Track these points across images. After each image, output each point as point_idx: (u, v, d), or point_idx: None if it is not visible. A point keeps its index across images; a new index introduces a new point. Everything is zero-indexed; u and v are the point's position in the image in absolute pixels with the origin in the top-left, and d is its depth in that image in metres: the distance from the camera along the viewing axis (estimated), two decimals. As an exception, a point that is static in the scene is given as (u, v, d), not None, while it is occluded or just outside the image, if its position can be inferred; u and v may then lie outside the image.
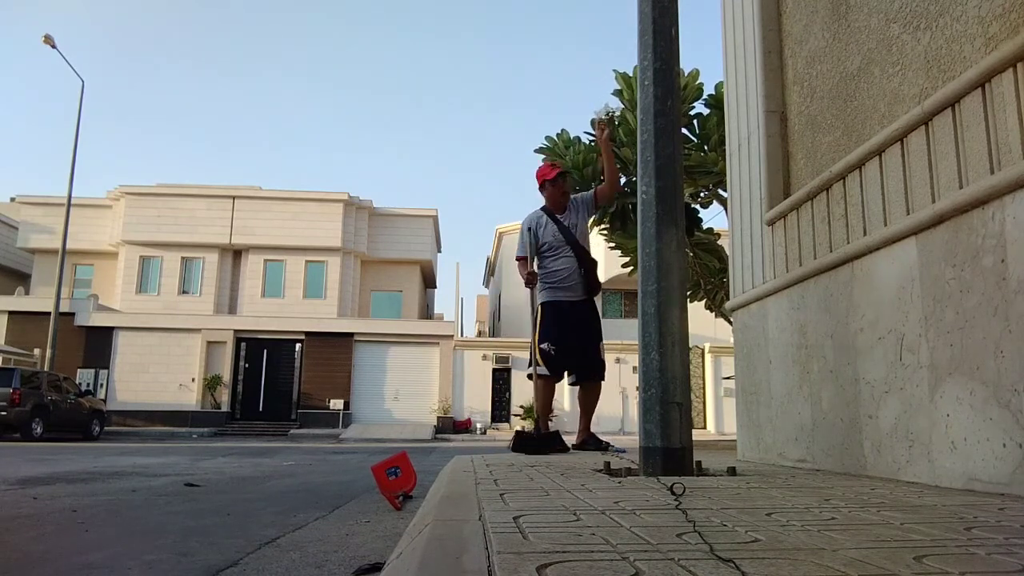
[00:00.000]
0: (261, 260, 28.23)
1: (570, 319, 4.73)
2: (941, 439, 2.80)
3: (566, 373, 4.96)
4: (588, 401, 4.92)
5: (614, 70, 11.39)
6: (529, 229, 4.87)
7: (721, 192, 11.11)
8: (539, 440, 4.56)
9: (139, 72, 71.60)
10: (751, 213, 4.90)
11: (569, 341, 4.73)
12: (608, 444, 4.85)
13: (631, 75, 11.15)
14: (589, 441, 4.83)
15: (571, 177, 5.04)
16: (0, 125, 66.43)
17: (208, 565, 2.42)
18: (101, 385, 23.57)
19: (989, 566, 1.27)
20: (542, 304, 4.79)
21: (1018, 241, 2.45)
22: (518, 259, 5.06)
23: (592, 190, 5.13)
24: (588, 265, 4.84)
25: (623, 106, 11.50)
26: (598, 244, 21.25)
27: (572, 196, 4.93)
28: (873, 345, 3.30)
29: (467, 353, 24.30)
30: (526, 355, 24.60)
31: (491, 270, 35.22)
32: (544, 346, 4.70)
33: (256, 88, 73.78)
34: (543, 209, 4.91)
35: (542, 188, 4.90)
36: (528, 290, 4.88)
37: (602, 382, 4.89)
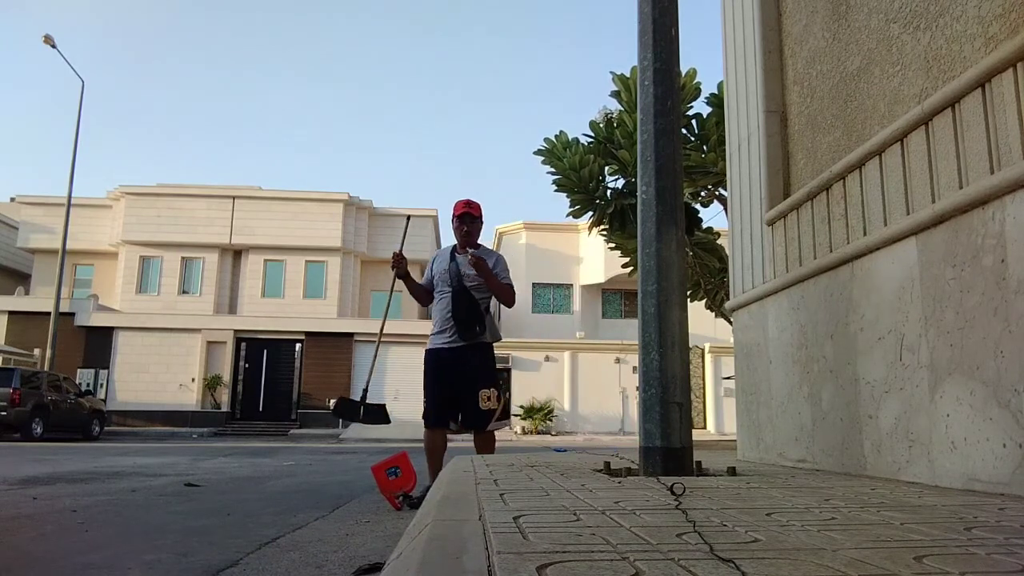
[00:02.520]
0: (261, 260, 28.23)
1: (446, 367, 4.32)
2: (941, 439, 2.81)
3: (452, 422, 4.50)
4: (478, 448, 4.42)
5: (611, 72, 11.41)
6: (434, 259, 4.63)
7: (721, 192, 11.12)
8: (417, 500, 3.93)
9: (139, 72, 71.64)
10: (751, 213, 4.90)
11: (444, 392, 4.31)
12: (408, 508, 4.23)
13: (628, 77, 11.16)
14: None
15: (476, 224, 4.53)
16: (0, 125, 66.48)
17: (208, 565, 2.42)
18: (101, 385, 23.57)
19: (989, 566, 1.27)
20: (425, 352, 4.51)
21: (1018, 241, 2.45)
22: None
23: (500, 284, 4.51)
24: (468, 308, 4.31)
25: (621, 108, 11.51)
26: (598, 244, 21.25)
27: (489, 250, 4.50)
28: (873, 345, 3.30)
29: (467, 353, 24.28)
30: (526, 355, 24.75)
31: (491, 270, 35.24)
32: (425, 399, 4.40)
33: (256, 88, 73.83)
34: (452, 247, 4.55)
35: (452, 221, 4.55)
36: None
37: (495, 430, 4.37)
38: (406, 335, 24.87)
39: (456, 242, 4.51)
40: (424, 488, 3.85)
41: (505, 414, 4.41)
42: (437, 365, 4.36)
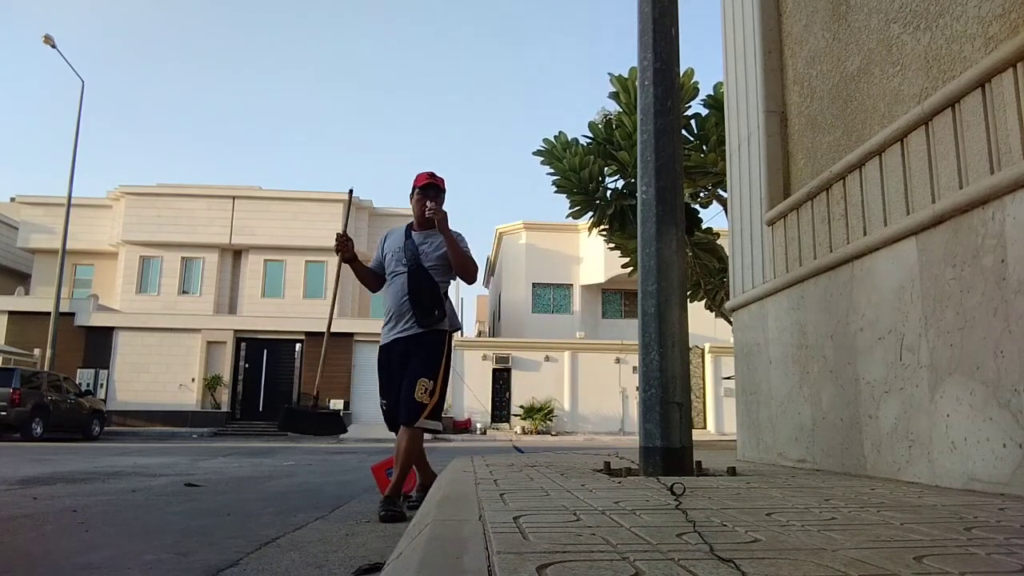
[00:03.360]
0: (261, 260, 28.23)
1: (400, 362, 3.68)
2: (941, 439, 2.80)
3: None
4: (398, 446, 3.62)
5: (610, 73, 11.41)
6: (385, 238, 4.02)
7: (721, 192, 11.12)
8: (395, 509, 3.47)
9: (139, 72, 71.66)
10: (751, 213, 4.90)
11: (392, 391, 3.73)
12: (400, 512, 3.52)
13: (627, 78, 11.16)
14: (388, 505, 3.50)
15: (439, 199, 3.85)
16: (0, 125, 66.51)
17: (208, 565, 2.42)
18: (101, 385, 23.56)
19: (989, 566, 1.27)
20: (379, 348, 3.88)
21: (1018, 241, 2.45)
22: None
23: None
24: (427, 289, 3.70)
25: (620, 109, 11.51)
26: (598, 244, 21.27)
27: (451, 228, 3.77)
28: (873, 345, 3.30)
29: (467, 353, 24.29)
30: (526, 355, 24.73)
31: (491, 270, 35.21)
32: (381, 400, 3.83)
33: (256, 88, 73.85)
34: (408, 224, 3.94)
35: (411, 196, 3.90)
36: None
37: (414, 427, 3.57)
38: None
39: (415, 218, 3.88)
40: (383, 501, 3.54)
41: (437, 416, 3.69)
42: (390, 361, 3.72)
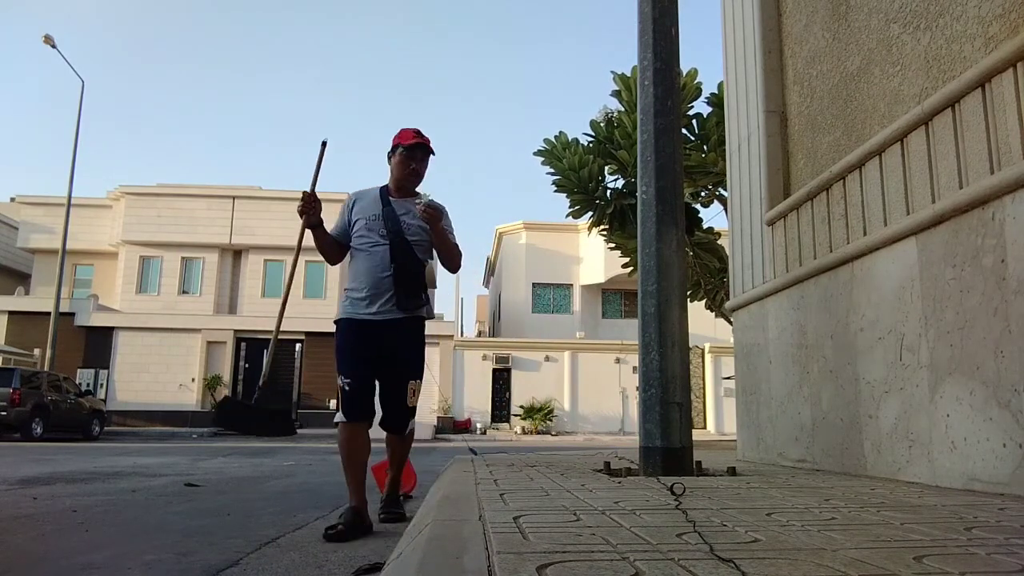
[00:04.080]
0: (261, 260, 28.23)
1: (371, 343, 3.21)
2: (941, 439, 2.80)
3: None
4: (393, 452, 3.51)
5: (612, 71, 11.41)
6: (354, 201, 3.42)
7: (721, 192, 11.12)
8: (350, 526, 2.98)
9: (139, 72, 71.67)
10: (751, 213, 4.90)
11: (369, 374, 3.24)
12: (402, 512, 3.44)
13: (629, 76, 11.16)
14: (388, 507, 3.45)
15: (425, 163, 3.41)
16: (0, 125, 66.51)
17: (208, 565, 2.42)
18: (101, 385, 23.56)
19: (989, 566, 1.27)
20: (337, 321, 3.34)
21: (1018, 241, 2.45)
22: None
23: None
24: (410, 270, 3.26)
25: (621, 108, 11.51)
26: (598, 244, 21.27)
27: (430, 198, 3.27)
28: (873, 345, 3.30)
29: (467, 353, 24.30)
30: (526, 355, 24.72)
31: (491, 270, 35.21)
32: (340, 380, 3.24)
33: (256, 88, 73.87)
34: (382, 188, 3.42)
35: (390, 156, 3.40)
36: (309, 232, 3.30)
37: (410, 432, 3.43)
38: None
39: (391, 181, 3.39)
40: (346, 510, 3.06)
41: (414, 411, 3.44)
42: (360, 339, 3.22)
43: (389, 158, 3.41)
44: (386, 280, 3.24)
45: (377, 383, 3.31)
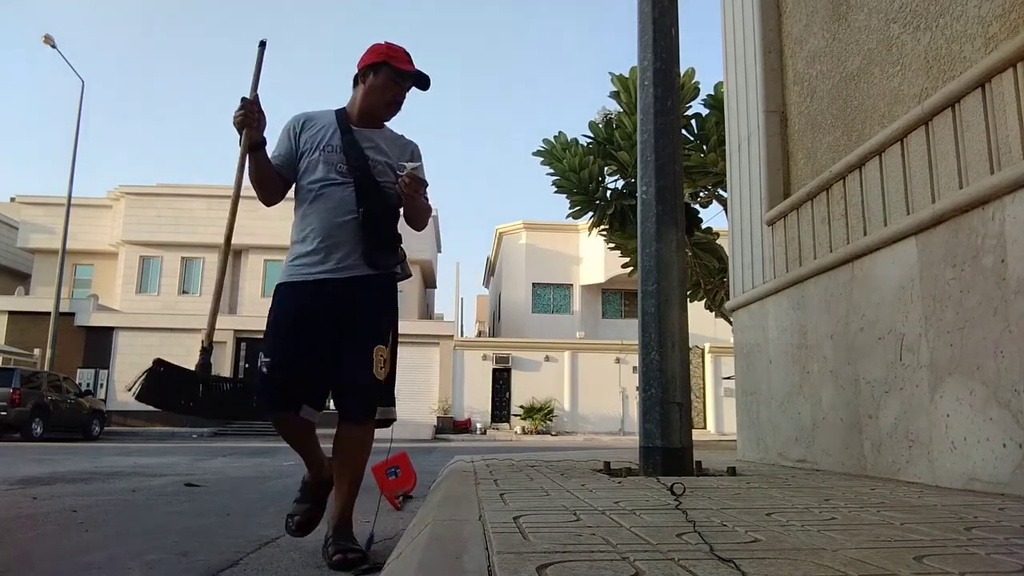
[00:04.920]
0: (261, 260, 28.22)
1: (320, 314, 2.45)
2: (941, 439, 2.80)
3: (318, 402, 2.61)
4: (344, 457, 2.48)
5: (610, 73, 11.41)
6: (301, 124, 2.65)
7: (721, 192, 11.12)
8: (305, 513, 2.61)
9: (139, 72, 71.66)
10: (751, 213, 4.90)
11: (303, 354, 2.44)
12: (361, 552, 2.38)
13: (628, 77, 11.17)
14: (337, 537, 2.41)
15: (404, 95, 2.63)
16: (0, 125, 66.49)
17: (208, 565, 2.42)
18: (101, 385, 23.57)
19: (989, 566, 1.27)
20: (277, 286, 2.58)
21: (1018, 241, 2.45)
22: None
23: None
24: (382, 216, 2.54)
25: (620, 109, 11.51)
26: (598, 244, 21.28)
27: (399, 135, 2.71)
28: (873, 345, 3.30)
29: (467, 353, 24.31)
30: (526, 355, 24.73)
31: (491, 270, 35.22)
32: (259, 359, 2.52)
33: (256, 88, 73.74)
34: (338, 111, 2.66)
35: (357, 80, 2.66)
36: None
37: (382, 420, 2.51)
38: (406, 335, 24.87)
39: (354, 107, 2.64)
40: (302, 481, 2.66)
41: (393, 395, 2.58)
42: (306, 310, 2.46)
43: (358, 79, 2.64)
44: (348, 226, 2.47)
45: (328, 369, 2.48)
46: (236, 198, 2.68)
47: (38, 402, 15.19)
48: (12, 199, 30.49)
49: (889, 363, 3.17)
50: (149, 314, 25.31)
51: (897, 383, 3.11)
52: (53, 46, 20.66)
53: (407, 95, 2.67)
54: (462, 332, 27.39)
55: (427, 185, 2.56)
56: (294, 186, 2.65)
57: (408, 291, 30.41)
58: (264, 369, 2.46)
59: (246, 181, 2.57)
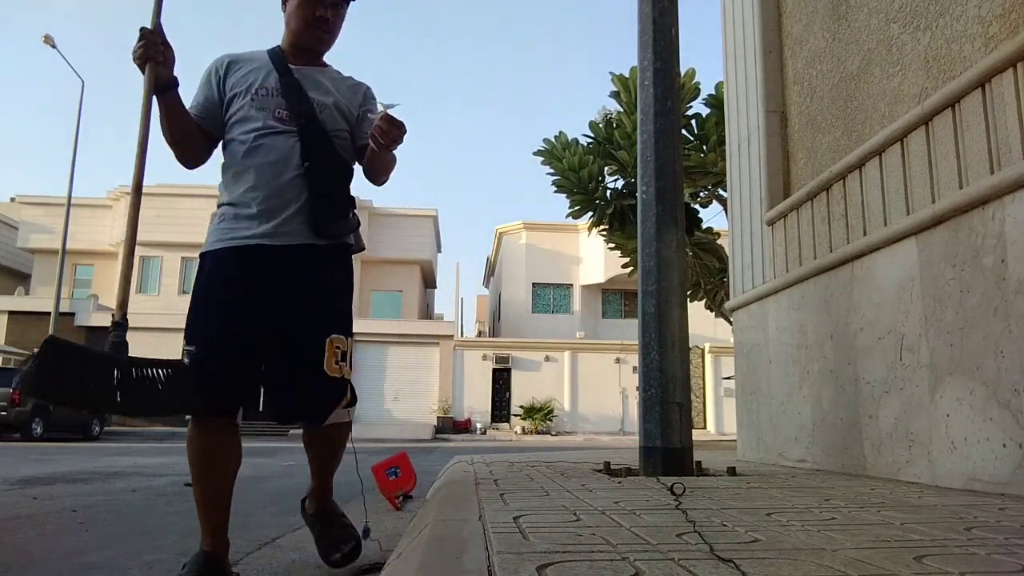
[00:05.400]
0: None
1: (259, 287, 2.04)
2: (941, 439, 2.80)
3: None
4: (320, 449, 2.30)
5: (611, 72, 11.41)
6: (226, 66, 2.18)
7: (721, 192, 11.12)
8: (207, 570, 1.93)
9: (139, 72, 71.56)
10: (751, 213, 4.90)
11: (236, 337, 2.01)
12: (357, 535, 2.35)
13: (628, 77, 11.17)
14: (321, 515, 2.36)
15: (343, 14, 2.20)
16: (0, 125, 66.48)
17: (208, 565, 2.42)
18: (101, 385, 23.58)
19: (989, 566, 1.27)
20: (202, 255, 2.14)
21: (1018, 241, 2.45)
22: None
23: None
24: (332, 171, 2.15)
25: (620, 109, 11.52)
26: (598, 244, 21.28)
27: (356, 80, 2.31)
28: (873, 345, 3.30)
29: (467, 353, 24.31)
30: (526, 355, 24.73)
31: (491, 270, 35.22)
32: (184, 347, 2.08)
33: (256, 88, 73.76)
34: (272, 50, 2.23)
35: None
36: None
37: (344, 425, 2.21)
38: (406, 335, 24.88)
39: (286, 40, 2.23)
40: (193, 558, 1.96)
41: (353, 395, 2.15)
42: (238, 281, 2.04)
43: (284, 2, 2.22)
44: (293, 183, 2.05)
45: (265, 361, 2.06)
46: (144, 142, 1.97)
47: (38, 402, 15.19)
48: (12, 199, 30.51)
49: (889, 363, 3.17)
50: (149, 314, 25.29)
51: (897, 383, 3.11)
52: (53, 46, 20.67)
53: (339, 14, 2.20)
54: (462, 332, 27.39)
55: (406, 131, 1.98)
56: (222, 142, 2.19)
57: (408, 291, 30.42)
58: (185, 360, 1.96)
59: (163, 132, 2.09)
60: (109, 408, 1.87)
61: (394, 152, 2.13)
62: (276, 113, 2.11)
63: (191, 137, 2.14)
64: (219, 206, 2.16)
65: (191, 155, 2.18)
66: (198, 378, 1.93)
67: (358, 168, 2.29)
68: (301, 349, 2.05)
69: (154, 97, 1.99)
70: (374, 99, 2.30)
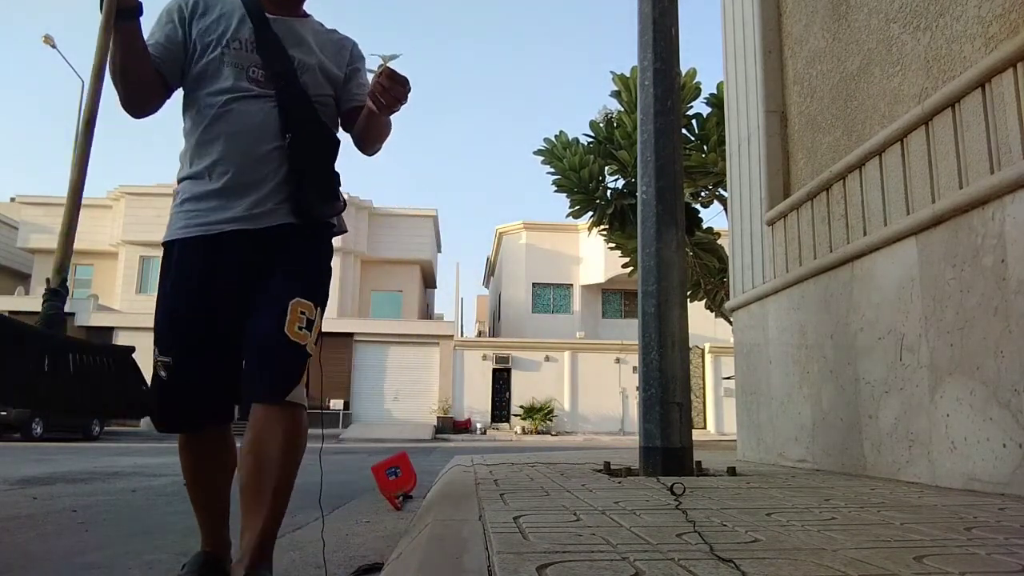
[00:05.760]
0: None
1: (229, 278, 1.78)
2: (941, 439, 2.80)
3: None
4: (259, 457, 1.64)
5: (611, 72, 11.42)
6: (195, 6, 1.85)
7: (721, 192, 11.12)
8: None
9: (139, 72, 71.61)
10: (751, 213, 4.90)
11: (218, 339, 1.78)
12: None
13: (629, 77, 11.17)
14: (255, 568, 1.57)
15: None
16: (0, 125, 66.52)
17: (208, 565, 2.42)
18: (101, 385, 23.58)
19: (989, 566, 1.27)
20: (165, 244, 1.87)
21: (1018, 241, 2.45)
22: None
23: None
24: (317, 144, 1.88)
25: (621, 108, 11.51)
26: (598, 244, 21.27)
27: (341, 34, 2.03)
28: (873, 345, 3.30)
29: (467, 353, 24.31)
30: (526, 355, 24.74)
31: (491, 270, 35.22)
32: (156, 357, 1.79)
33: (256, 88, 73.73)
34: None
35: None
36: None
37: (298, 412, 1.72)
38: (406, 335, 24.88)
39: None
40: (193, 558, 1.87)
41: (301, 372, 1.69)
42: (207, 278, 1.78)
43: None
44: (270, 157, 1.77)
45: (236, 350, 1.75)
46: (99, 71, 1.64)
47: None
48: (12, 199, 30.50)
49: (889, 363, 3.17)
50: (149, 314, 24.98)
51: (897, 383, 3.11)
52: (53, 46, 20.67)
53: None
54: (462, 332, 27.39)
55: (410, 88, 1.68)
56: (184, 96, 1.86)
57: (408, 291, 30.43)
58: (163, 374, 1.73)
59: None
60: (25, 402, 1.52)
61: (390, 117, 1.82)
62: (251, 73, 1.81)
63: (145, 78, 1.78)
64: (179, 181, 1.85)
65: (141, 99, 1.81)
66: (170, 395, 1.74)
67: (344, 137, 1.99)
68: (262, 311, 1.71)
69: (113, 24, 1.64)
70: (362, 57, 2.02)
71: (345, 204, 1.95)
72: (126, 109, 1.81)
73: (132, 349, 1.62)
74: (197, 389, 1.76)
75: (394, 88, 1.66)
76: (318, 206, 1.84)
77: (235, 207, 1.76)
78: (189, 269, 1.79)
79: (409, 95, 1.70)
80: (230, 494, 1.87)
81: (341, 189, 1.94)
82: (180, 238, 1.80)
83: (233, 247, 1.77)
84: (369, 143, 1.97)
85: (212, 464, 1.89)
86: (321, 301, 1.81)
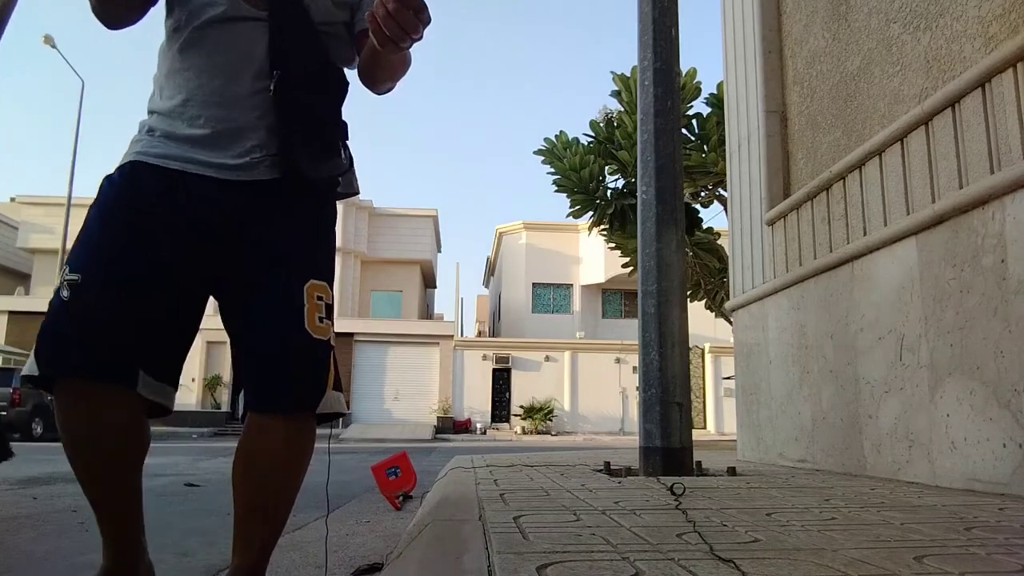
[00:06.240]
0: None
1: (191, 224, 1.39)
2: (941, 439, 2.80)
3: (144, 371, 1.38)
4: (260, 475, 1.47)
5: (612, 72, 11.43)
6: None
7: (721, 192, 11.13)
8: None
9: (140, 72, 71.65)
10: (751, 213, 4.90)
11: (144, 271, 1.35)
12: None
13: (629, 77, 11.17)
14: None
15: None
16: (0, 125, 66.59)
17: (208, 565, 2.42)
18: (101, 385, 23.58)
19: (989, 566, 1.27)
20: (119, 167, 1.44)
21: (1018, 241, 2.45)
22: None
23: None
24: (313, 90, 1.46)
25: (621, 108, 11.52)
26: (598, 244, 21.26)
27: None
28: (873, 345, 3.30)
29: (467, 353, 24.30)
30: (526, 355, 24.74)
31: (491, 270, 35.22)
32: (61, 276, 1.35)
33: (256, 88, 73.74)
34: None
35: None
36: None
37: (321, 421, 1.51)
38: (406, 335, 24.88)
39: None
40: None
41: (338, 377, 1.41)
42: (158, 205, 1.38)
43: None
44: (253, 100, 1.43)
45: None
46: None
47: (38, 402, 15.18)
48: (12, 199, 30.50)
49: (889, 363, 3.17)
50: (149, 314, 25.32)
51: (897, 383, 3.11)
52: (53, 46, 20.68)
53: None
54: (462, 332, 27.39)
55: (430, 18, 1.21)
56: (165, 2, 1.50)
57: (408, 291, 30.43)
58: (64, 294, 1.33)
59: None
60: None
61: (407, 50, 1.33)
62: None
63: None
64: (151, 112, 1.49)
65: (116, 7, 1.43)
66: (66, 322, 1.32)
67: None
68: (271, 302, 1.41)
69: None
70: None
71: (351, 161, 1.58)
72: (99, 17, 1.43)
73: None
74: (92, 312, 1.32)
75: (402, 15, 1.16)
76: (314, 160, 1.45)
77: (216, 151, 1.41)
78: (130, 189, 1.40)
79: (425, 27, 1.21)
80: (139, 496, 1.43)
81: (348, 142, 1.57)
82: (137, 160, 1.43)
83: (203, 194, 1.40)
84: (378, 80, 1.57)
85: (95, 425, 1.33)
86: (332, 278, 1.51)
